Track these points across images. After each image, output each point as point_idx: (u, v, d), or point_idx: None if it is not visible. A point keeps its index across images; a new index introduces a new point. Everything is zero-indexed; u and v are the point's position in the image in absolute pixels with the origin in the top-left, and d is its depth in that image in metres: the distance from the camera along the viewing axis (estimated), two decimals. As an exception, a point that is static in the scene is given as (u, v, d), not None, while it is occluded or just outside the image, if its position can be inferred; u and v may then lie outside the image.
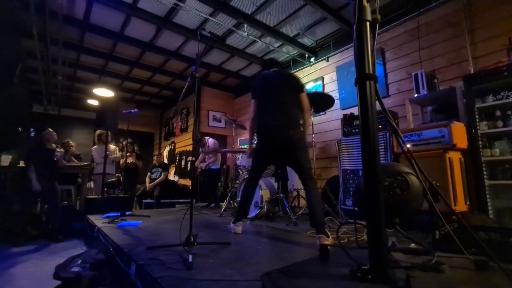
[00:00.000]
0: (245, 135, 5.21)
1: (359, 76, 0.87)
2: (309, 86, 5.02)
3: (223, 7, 3.73)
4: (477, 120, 2.46)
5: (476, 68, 2.91)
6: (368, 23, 0.86)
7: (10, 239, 3.11)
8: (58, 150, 3.75)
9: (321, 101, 3.59)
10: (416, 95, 3.02)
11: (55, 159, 3.60)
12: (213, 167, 4.70)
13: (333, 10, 3.81)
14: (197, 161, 4.75)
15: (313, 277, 1.01)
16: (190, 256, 1.45)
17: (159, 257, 1.58)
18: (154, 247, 1.78)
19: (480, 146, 2.43)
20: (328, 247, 1.44)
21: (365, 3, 0.84)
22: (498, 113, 2.42)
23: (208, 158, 4.70)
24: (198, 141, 4.69)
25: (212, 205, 4.63)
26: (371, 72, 0.85)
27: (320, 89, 4.83)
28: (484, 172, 2.38)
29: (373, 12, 0.86)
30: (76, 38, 4.70)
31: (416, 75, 3.01)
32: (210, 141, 4.72)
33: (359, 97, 0.87)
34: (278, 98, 2.28)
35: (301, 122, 2.28)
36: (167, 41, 4.81)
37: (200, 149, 4.76)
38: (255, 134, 2.44)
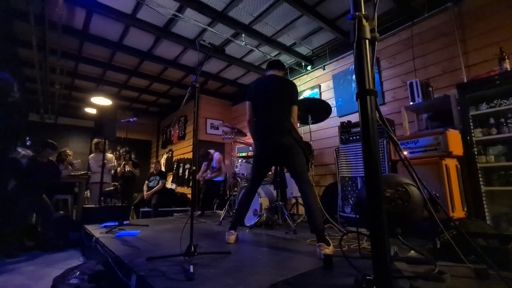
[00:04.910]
0: (245, 141, 5.22)
1: (360, 92, 0.90)
2: (306, 94, 5.08)
3: (221, 17, 3.80)
4: (472, 127, 2.51)
5: (469, 76, 2.98)
6: (367, 41, 0.90)
7: (3, 251, 3.06)
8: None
9: (319, 109, 3.62)
10: (411, 103, 3.07)
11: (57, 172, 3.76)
12: (215, 179, 4.70)
13: (328, 20, 3.90)
14: (200, 173, 4.75)
15: (319, 287, 1.02)
16: (191, 267, 1.44)
17: (160, 267, 1.56)
18: (154, 257, 1.76)
19: (475, 153, 2.47)
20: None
21: (364, 22, 0.88)
22: (492, 120, 2.47)
23: (212, 171, 4.71)
24: (204, 156, 4.71)
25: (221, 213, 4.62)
26: (371, 87, 0.88)
27: (317, 97, 4.89)
28: (480, 179, 2.42)
29: (371, 30, 0.90)
30: (75, 48, 4.73)
31: (411, 84, 3.08)
32: (216, 156, 4.75)
33: (360, 111, 0.90)
34: (269, 106, 2.34)
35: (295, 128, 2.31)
36: (166, 50, 4.85)
37: (205, 162, 4.77)
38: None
